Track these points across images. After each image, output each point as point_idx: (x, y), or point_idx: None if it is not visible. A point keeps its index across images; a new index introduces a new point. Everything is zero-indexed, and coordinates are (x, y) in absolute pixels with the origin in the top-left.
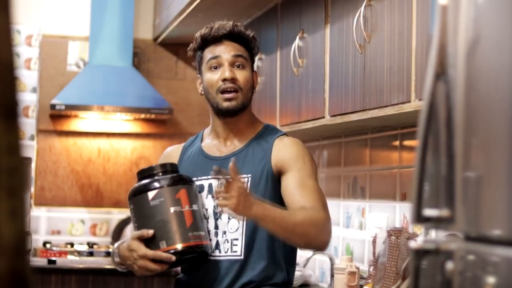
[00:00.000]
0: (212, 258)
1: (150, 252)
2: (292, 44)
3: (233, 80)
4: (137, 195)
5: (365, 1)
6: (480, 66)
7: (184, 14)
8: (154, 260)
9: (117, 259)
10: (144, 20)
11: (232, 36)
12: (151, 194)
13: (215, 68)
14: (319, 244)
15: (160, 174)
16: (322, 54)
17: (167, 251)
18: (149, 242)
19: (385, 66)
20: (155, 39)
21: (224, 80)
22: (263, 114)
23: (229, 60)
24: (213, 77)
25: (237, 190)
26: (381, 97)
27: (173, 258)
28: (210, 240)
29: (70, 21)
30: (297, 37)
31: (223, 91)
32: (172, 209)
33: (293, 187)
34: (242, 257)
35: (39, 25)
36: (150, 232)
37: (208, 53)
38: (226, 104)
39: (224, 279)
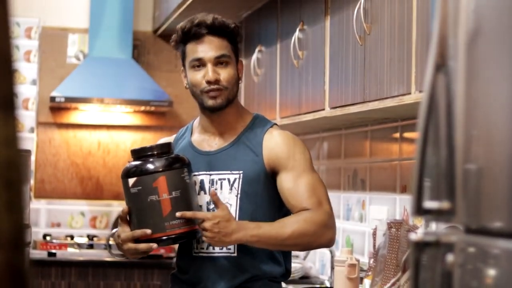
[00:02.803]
0: (207, 255)
1: (130, 234)
2: (292, 36)
3: (216, 81)
4: (122, 178)
5: None
6: (480, 57)
7: (184, 6)
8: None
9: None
10: (144, 12)
11: (214, 30)
12: (131, 181)
13: (198, 67)
14: (320, 246)
15: (147, 157)
16: (322, 46)
17: (144, 240)
18: (132, 226)
19: (385, 58)
20: (155, 31)
21: (208, 82)
22: (263, 107)
23: (212, 60)
24: (196, 76)
25: (210, 223)
26: (381, 89)
27: (154, 246)
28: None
29: (69, 13)
30: (297, 29)
31: (208, 91)
32: (148, 198)
33: (288, 189)
34: (235, 254)
35: (38, 17)
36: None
37: (191, 50)
38: (211, 102)
39: (220, 276)
